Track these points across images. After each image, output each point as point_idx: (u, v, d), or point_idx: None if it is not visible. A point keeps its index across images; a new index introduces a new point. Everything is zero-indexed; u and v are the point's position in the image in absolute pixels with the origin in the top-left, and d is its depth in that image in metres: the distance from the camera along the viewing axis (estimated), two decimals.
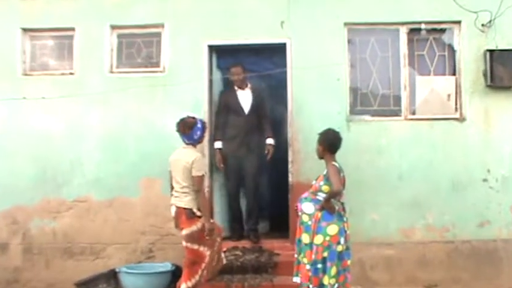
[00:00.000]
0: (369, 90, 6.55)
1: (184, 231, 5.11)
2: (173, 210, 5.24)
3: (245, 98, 6.49)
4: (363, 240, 6.21)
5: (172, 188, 5.33)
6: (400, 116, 6.45)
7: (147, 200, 6.49)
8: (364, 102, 6.54)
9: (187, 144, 5.25)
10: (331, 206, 5.02)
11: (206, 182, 6.39)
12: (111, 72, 6.65)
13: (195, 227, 5.10)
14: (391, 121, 6.42)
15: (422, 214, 6.32)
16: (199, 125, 5.24)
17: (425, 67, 6.56)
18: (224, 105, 6.46)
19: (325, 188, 5.06)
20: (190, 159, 5.11)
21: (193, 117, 5.31)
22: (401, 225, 6.32)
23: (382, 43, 6.56)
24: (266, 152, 6.42)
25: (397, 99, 6.50)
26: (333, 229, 5.00)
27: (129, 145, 6.54)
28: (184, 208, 5.11)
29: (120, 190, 6.51)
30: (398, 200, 6.32)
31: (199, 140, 5.30)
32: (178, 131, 5.26)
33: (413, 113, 6.48)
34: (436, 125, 6.38)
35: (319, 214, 5.04)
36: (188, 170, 5.09)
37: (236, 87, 6.51)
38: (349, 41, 6.50)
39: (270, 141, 6.46)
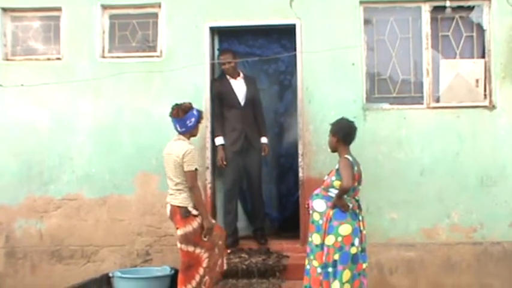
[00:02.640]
0: (387, 75, 6.64)
1: (179, 232, 5.22)
2: (168, 209, 5.36)
3: (239, 88, 6.65)
4: (380, 241, 6.34)
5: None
6: (422, 104, 6.53)
7: (143, 198, 6.64)
8: (382, 89, 6.63)
9: (179, 133, 5.33)
10: (343, 204, 5.12)
11: (208, 179, 6.60)
12: (103, 57, 6.78)
13: (191, 227, 5.20)
14: (412, 110, 6.50)
15: (447, 212, 6.41)
16: (194, 112, 5.34)
17: (451, 49, 6.63)
18: (217, 96, 6.59)
19: (337, 183, 5.14)
20: (181, 152, 5.20)
21: (190, 103, 5.44)
22: (424, 225, 6.41)
23: (402, 23, 6.63)
24: (263, 150, 6.64)
25: (419, 86, 6.59)
26: (345, 229, 5.10)
27: (123, 137, 6.68)
28: (179, 206, 5.22)
29: (113, 187, 6.65)
30: (420, 196, 6.40)
31: (193, 130, 5.36)
32: (171, 115, 5.36)
33: (437, 101, 6.57)
34: (462, 113, 6.45)
35: (331, 212, 5.13)
36: (180, 165, 5.20)
37: (228, 76, 6.65)
38: (365, 21, 6.59)
39: (264, 140, 6.70)
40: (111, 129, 6.71)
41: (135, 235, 6.65)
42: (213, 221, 5.48)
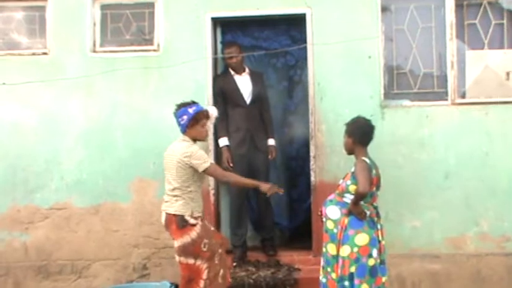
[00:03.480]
0: (407, 69, 6.63)
1: (177, 243, 5.21)
2: (163, 217, 5.35)
3: (244, 85, 6.67)
4: (402, 251, 6.34)
5: None
6: (446, 100, 6.52)
7: (140, 206, 6.66)
8: (402, 84, 6.63)
9: (183, 133, 5.35)
10: (360, 211, 5.12)
11: (211, 184, 6.60)
12: (94, 51, 6.79)
13: (189, 237, 5.19)
14: (435, 106, 6.49)
15: (476, 220, 6.40)
16: (189, 109, 5.31)
17: (478, 39, 6.62)
18: (220, 93, 6.62)
19: (353, 188, 5.15)
20: (186, 152, 5.19)
21: (191, 101, 5.44)
22: (450, 234, 6.42)
23: (424, 11, 6.63)
24: (270, 153, 6.68)
25: (443, 80, 6.58)
26: (362, 238, 5.10)
27: (117, 140, 6.69)
28: (175, 215, 5.21)
29: (107, 194, 6.67)
30: (445, 202, 6.41)
31: (189, 130, 5.32)
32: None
33: (463, 96, 6.56)
34: (491, 110, 6.44)
35: (346, 220, 5.15)
36: (182, 167, 5.19)
37: (232, 72, 6.68)
38: (383, 9, 6.59)
39: (271, 142, 6.74)
40: (104, 131, 6.71)
41: (131, 247, 6.66)
42: (212, 228, 5.47)
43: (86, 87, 6.71)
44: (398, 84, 6.65)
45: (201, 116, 5.37)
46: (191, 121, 5.31)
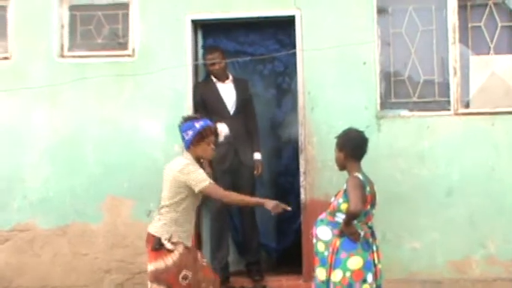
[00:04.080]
0: (406, 76, 6.60)
1: (149, 267, 5.09)
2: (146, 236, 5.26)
3: (228, 94, 6.63)
4: (400, 276, 6.28)
5: None
6: (448, 109, 6.48)
7: (112, 227, 6.60)
8: (400, 92, 6.59)
9: (186, 150, 5.25)
10: (353, 231, 5.01)
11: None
12: (62, 56, 6.75)
13: (163, 263, 5.05)
14: (437, 117, 6.46)
15: (481, 241, 6.34)
16: (196, 124, 5.19)
17: (483, 43, 6.59)
18: (201, 103, 6.55)
19: (344, 206, 5.06)
20: (183, 169, 5.08)
21: (198, 115, 5.41)
22: (453, 256, 6.36)
23: (424, 12, 6.60)
24: (256, 168, 6.62)
25: (445, 88, 6.54)
26: (355, 262, 4.98)
27: (87, 154, 6.64)
28: (153, 235, 5.11)
29: (75, 214, 6.61)
30: (447, 222, 6.35)
31: (194, 147, 5.18)
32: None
33: (467, 106, 6.52)
34: (498, 120, 6.40)
35: (338, 242, 5.04)
36: (176, 185, 5.08)
37: (215, 79, 6.63)
38: (379, 11, 6.55)
39: (257, 156, 6.69)
40: (73, 145, 6.65)
41: (103, 272, 6.59)
42: (204, 260, 5.34)
43: (53, 96, 6.65)
44: (396, 92, 6.61)
45: (208, 132, 5.20)
46: (196, 137, 5.16)
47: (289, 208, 5.19)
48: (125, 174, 6.52)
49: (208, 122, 5.24)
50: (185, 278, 5.08)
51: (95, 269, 6.58)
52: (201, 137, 5.15)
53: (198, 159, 5.21)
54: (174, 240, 5.08)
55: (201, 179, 5.06)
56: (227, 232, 6.69)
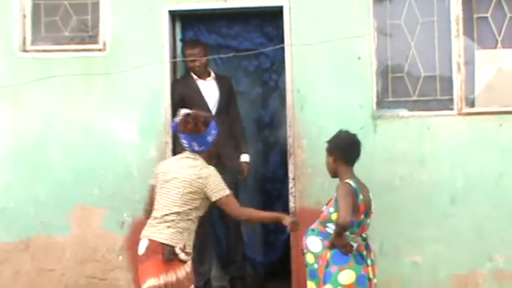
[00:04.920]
0: (404, 72, 6.61)
1: (153, 281, 4.98)
2: (143, 245, 5.10)
3: (209, 92, 6.67)
4: None
5: (147, 213, 5.29)
6: (451, 109, 6.49)
7: (81, 240, 6.57)
8: (399, 90, 6.59)
9: (195, 152, 5.23)
10: (344, 243, 5.04)
11: None
12: (24, 50, 6.73)
13: (174, 275, 5.00)
14: (439, 117, 6.46)
15: (488, 253, 6.36)
16: (213, 123, 5.26)
17: (490, 36, 6.61)
18: (180, 102, 6.51)
19: (335, 216, 5.08)
20: (201, 173, 5.09)
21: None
22: (458, 271, 6.36)
23: (425, 2, 6.61)
24: (241, 172, 6.66)
25: (447, 85, 6.55)
26: (347, 276, 5.02)
27: (53, 159, 6.61)
28: (163, 244, 5.01)
29: (40, 226, 6.57)
30: (451, 232, 6.36)
31: (210, 146, 5.27)
32: (183, 131, 5.20)
33: (472, 105, 6.54)
34: (506, 121, 6.42)
35: (329, 254, 5.07)
36: (192, 191, 5.06)
37: (195, 76, 6.66)
38: (375, 1, 6.56)
39: (245, 158, 6.73)
40: (37, 149, 6.62)
41: None
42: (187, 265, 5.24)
43: (14, 94, 6.63)
44: (394, 90, 6.62)
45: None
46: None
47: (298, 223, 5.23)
48: (95, 180, 6.51)
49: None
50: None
51: (62, 286, 6.55)
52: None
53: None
54: (188, 250, 5.08)
55: (221, 187, 5.10)
56: (210, 245, 6.68)
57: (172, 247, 5.00)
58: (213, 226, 6.87)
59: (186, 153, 5.21)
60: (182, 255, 5.03)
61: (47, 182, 6.60)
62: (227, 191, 5.10)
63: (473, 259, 6.37)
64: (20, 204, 6.60)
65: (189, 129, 5.15)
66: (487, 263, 6.37)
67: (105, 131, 6.53)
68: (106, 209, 6.49)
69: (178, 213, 5.05)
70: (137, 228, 5.11)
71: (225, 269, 6.90)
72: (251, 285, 6.79)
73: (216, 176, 5.14)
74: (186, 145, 5.20)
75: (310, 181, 6.41)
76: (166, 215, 5.06)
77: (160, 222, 5.07)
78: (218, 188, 5.08)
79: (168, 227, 5.04)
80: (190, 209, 5.07)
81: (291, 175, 6.49)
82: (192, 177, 5.06)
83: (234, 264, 6.72)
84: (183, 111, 5.26)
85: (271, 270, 7.18)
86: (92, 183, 6.54)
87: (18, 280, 6.59)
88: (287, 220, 5.16)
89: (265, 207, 7.17)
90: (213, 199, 5.07)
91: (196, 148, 5.18)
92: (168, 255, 4.98)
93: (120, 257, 6.51)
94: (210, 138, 5.19)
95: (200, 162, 5.17)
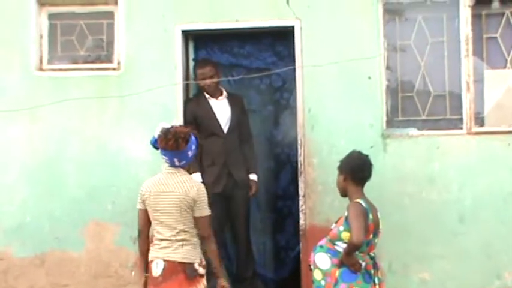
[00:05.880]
0: (414, 92, 6.64)
1: None
2: (159, 267, 5.09)
3: (221, 111, 6.70)
4: None
5: (141, 235, 5.28)
6: (461, 128, 6.52)
7: (95, 255, 6.62)
8: (408, 109, 6.63)
9: (176, 167, 5.19)
10: (354, 262, 5.08)
11: None
12: (41, 69, 6.80)
13: None
14: (448, 136, 6.49)
15: (497, 271, 6.36)
16: (193, 137, 5.21)
17: (499, 56, 6.64)
18: (193, 121, 6.59)
19: (345, 235, 5.12)
20: (191, 189, 5.07)
21: (186, 126, 5.42)
22: None
23: (435, 23, 6.65)
24: (249, 189, 6.69)
25: (457, 105, 6.58)
26: None
27: (68, 176, 6.67)
28: (183, 263, 5.04)
29: (55, 241, 6.63)
30: (459, 250, 6.37)
31: (191, 160, 5.25)
32: (164, 147, 5.14)
33: (481, 124, 6.57)
34: None
35: (337, 272, 5.11)
36: (188, 207, 5.06)
37: (207, 95, 6.70)
38: (385, 22, 6.60)
39: (253, 177, 6.77)
40: (53, 166, 6.69)
41: None
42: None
43: (31, 112, 6.68)
44: (404, 109, 6.65)
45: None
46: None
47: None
48: (109, 197, 6.57)
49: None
50: None
51: None
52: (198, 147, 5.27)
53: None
54: (204, 263, 5.12)
55: (205, 206, 5.10)
56: (222, 261, 6.68)
57: (192, 264, 5.04)
58: (224, 244, 6.88)
59: (168, 169, 5.19)
60: (201, 270, 5.07)
61: (62, 198, 6.66)
62: (208, 211, 5.11)
63: (481, 277, 6.38)
64: (36, 220, 6.66)
65: (170, 146, 5.10)
66: (496, 281, 6.38)
67: (118, 149, 6.61)
68: (119, 225, 6.55)
69: (185, 230, 5.06)
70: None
71: (236, 286, 6.83)
72: None
73: (204, 191, 5.14)
74: (168, 160, 5.17)
75: (320, 199, 6.45)
76: (177, 232, 5.06)
77: (172, 242, 5.07)
78: (204, 205, 5.09)
79: (182, 245, 5.06)
80: (192, 224, 5.09)
81: (301, 193, 6.53)
82: (185, 191, 5.05)
83: (245, 281, 6.75)
84: (162, 126, 5.23)
85: (282, 287, 7.16)
86: (106, 200, 6.61)
87: None
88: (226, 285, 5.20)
89: (276, 225, 7.32)
90: (197, 214, 5.06)
91: (177, 164, 5.16)
92: (191, 273, 5.02)
93: (133, 273, 6.52)
94: (190, 153, 5.16)
95: (187, 177, 5.16)
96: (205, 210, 5.09)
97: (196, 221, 5.08)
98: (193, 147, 5.17)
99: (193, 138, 5.18)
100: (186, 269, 5.00)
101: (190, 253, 5.05)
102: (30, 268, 6.64)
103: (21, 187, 6.70)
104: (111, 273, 6.57)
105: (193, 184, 5.11)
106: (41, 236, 6.64)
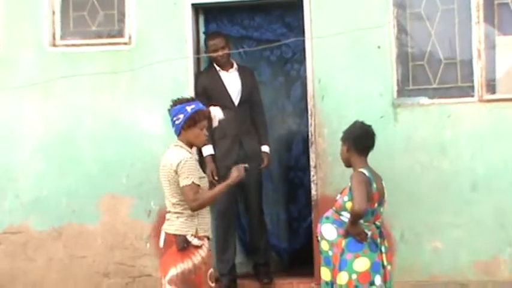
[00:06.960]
0: (425, 60, 6.61)
1: (173, 271, 5.02)
2: (161, 239, 5.18)
3: (232, 83, 6.72)
4: (421, 278, 6.35)
5: None
6: (472, 96, 6.48)
7: (111, 227, 6.72)
8: (419, 78, 6.61)
9: (177, 136, 5.21)
10: (359, 231, 5.10)
11: None
12: (54, 45, 6.87)
13: (190, 262, 5.01)
14: (460, 104, 6.47)
15: (510, 239, 6.35)
16: (187, 107, 5.13)
17: (510, 22, 6.58)
18: (204, 93, 6.60)
19: (350, 205, 5.15)
20: (175, 162, 5.04)
21: (190, 97, 5.42)
22: (479, 257, 6.37)
23: None
24: (262, 161, 6.70)
25: (468, 72, 6.54)
26: (362, 263, 5.08)
27: (83, 151, 6.76)
28: (175, 235, 5.06)
29: (71, 214, 6.73)
30: (472, 219, 6.37)
31: (184, 133, 5.13)
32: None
33: (493, 92, 6.52)
34: None
35: (343, 242, 5.14)
36: (175, 180, 5.06)
37: (218, 68, 6.72)
38: None
39: (265, 148, 6.78)
40: (67, 140, 6.77)
41: (101, 276, 6.71)
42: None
43: (44, 88, 6.76)
44: (414, 78, 6.62)
45: (200, 116, 5.16)
46: (188, 121, 5.11)
47: (245, 166, 5.22)
48: (123, 170, 6.65)
49: (201, 105, 5.20)
50: (211, 277, 5.09)
51: (92, 272, 6.70)
52: (193, 121, 5.10)
53: (190, 146, 5.18)
54: (200, 234, 5.08)
55: (185, 176, 5.00)
56: (233, 232, 6.78)
57: (184, 236, 5.03)
58: (237, 216, 6.93)
59: (175, 141, 5.21)
60: (195, 241, 5.03)
61: (77, 173, 6.75)
62: (189, 181, 5.01)
63: (494, 245, 6.37)
64: (53, 194, 6.76)
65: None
66: (508, 249, 6.37)
67: (132, 123, 6.68)
68: (134, 197, 6.65)
69: (178, 203, 5.07)
70: (164, 217, 5.16)
71: (249, 256, 6.97)
72: (275, 272, 6.83)
73: (187, 162, 5.04)
74: None
75: (331, 169, 6.47)
76: (172, 205, 5.10)
77: (171, 214, 5.13)
78: (183, 176, 5.01)
79: (177, 217, 5.08)
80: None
81: (312, 163, 6.57)
82: (171, 164, 5.05)
83: (258, 251, 6.79)
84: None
85: (295, 257, 7.23)
86: (120, 173, 6.69)
87: (52, 267, 6.75)
88: (233, 176, 5.16)
89: (288, 196, 7.38)
90: (180, 184, 5.03)
91: (175, 134, 5.21)
92: (181, 245, 5.01)
93: (148, 245, 6.62)
94: (176, 121, 5.12)
95: (179, 149, 5.12)
96: (184, 180, 5.01)
97: (181, 191, 5.06)
98: (181, 116, 5.09)
99: (186, 108, 5.13)
100: (177, 241, 5.02)
101: (183, 225, 5.05)
102: (48, 241, 6.76)
103: (37, 162, 6.79)
104: (127, 245, 6.67)
105: (176, 156, 5.06)
106: (58, 210, 6.75)
